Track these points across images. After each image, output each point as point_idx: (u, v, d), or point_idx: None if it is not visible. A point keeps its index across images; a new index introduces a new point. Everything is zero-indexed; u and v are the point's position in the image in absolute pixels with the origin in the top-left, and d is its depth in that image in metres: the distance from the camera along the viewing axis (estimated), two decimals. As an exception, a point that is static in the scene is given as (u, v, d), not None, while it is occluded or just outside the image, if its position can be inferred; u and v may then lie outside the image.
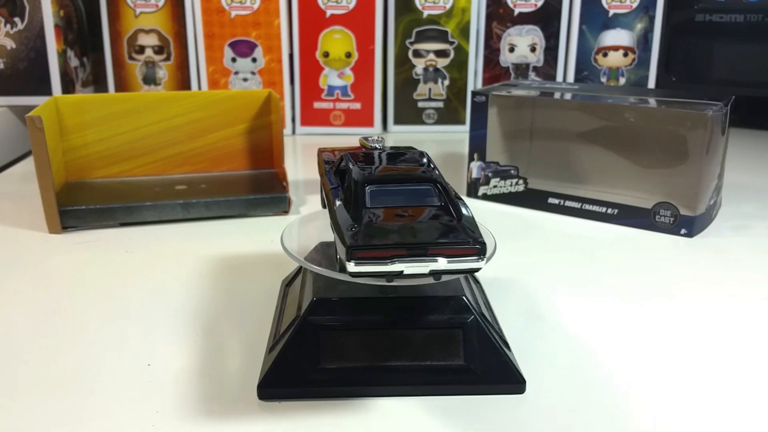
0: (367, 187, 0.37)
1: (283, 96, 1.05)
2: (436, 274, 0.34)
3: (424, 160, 0.42)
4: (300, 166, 0.91)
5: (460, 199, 0.38)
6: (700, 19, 1.07)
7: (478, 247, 0.33)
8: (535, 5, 1.05)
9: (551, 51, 1.07)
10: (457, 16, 1.05)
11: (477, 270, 0.34)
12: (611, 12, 1.05)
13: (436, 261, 0.33)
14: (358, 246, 0.33)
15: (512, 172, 0.73)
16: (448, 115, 1.09)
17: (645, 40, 1.06)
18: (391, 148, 0.45)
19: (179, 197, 0.68)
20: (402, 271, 0.33)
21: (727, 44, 1.06)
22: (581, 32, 1.06)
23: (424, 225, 0.35)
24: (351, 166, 0.40)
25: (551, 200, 0.71)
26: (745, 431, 0.37)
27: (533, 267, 0.58)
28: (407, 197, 0.37)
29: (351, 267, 0.33)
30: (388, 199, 0.37)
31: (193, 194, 0.69)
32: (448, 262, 0.33)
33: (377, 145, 0.44)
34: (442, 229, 0.34)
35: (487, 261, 0.41)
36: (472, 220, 0.36)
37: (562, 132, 0.74)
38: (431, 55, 1.06)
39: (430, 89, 1.08)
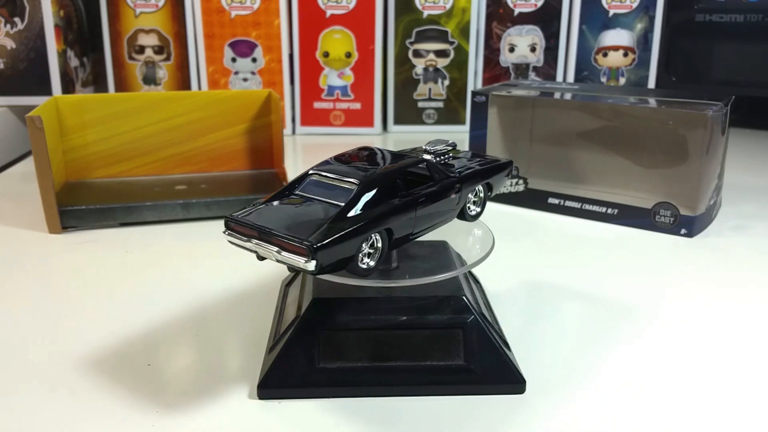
0: (309, 177, 0.39)
1: (283, 96, 1.05)
2: (284, 264, 0.35)
3: (403, 165, 0.40)
4: (300, 166, 0.91)
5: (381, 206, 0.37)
6: (700, 19, 1.07)
7: (305, 249, 0.33)
8: (535, 5, 1.05)
9: (551, 51, 1.07)
10: (457, 16, 1.05)
11: (310, 272, 0.33)
12: (611, 12, 1.05)
13: (274, 250, 0.34)
14: (233, 219, 0.37)
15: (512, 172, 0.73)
16: (448, 115, 1.09)
17: (645, 40, 1.06)
18: (462, 153, 0.46)
19: (179, 197, 0.68)
20: (257, 252, 0.36)
21: (727, 44, 1.06)
22: (581, 32, 1.06)
23: (289, 216, 0.36)
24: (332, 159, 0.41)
25: (551, 200, 0.71)
26: (746, 430, 0.37)
27: (533, 267, 0.58)
28: (329, 192, 0.38)
29: (224, 235, 0.37)
30: (315, 190, 0.38)
31: (193, 194, 0.69)
32: (281, 254, 0.34)
33: (428, 147, 0.44)
34: (298, 224, 0.35)
35: (483, 259, 0.42)
36: (340, 227, 0.35)
37: (562, 132, 0.74)
38: (431, 55, 1.06)
39: (430, 89, 1.08)
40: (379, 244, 0.37)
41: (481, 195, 0.45)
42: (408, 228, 0.39)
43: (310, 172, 0.40)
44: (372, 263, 0.37)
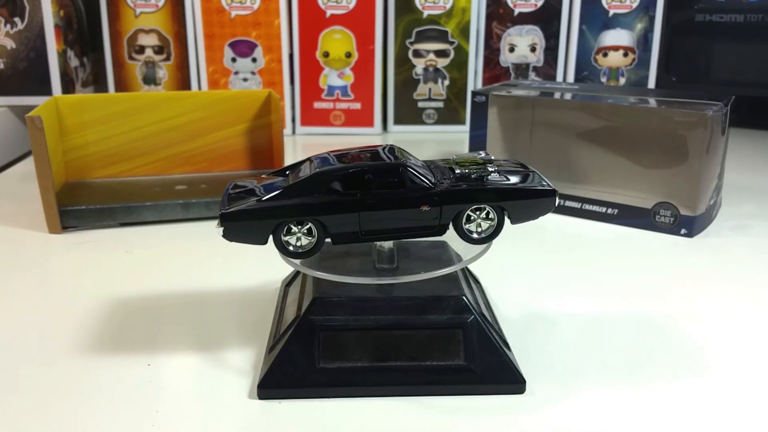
0: (303, 162, 0.43)
1: (283, 96, 1.05)
2: None
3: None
4: (300, 166, 0.91)
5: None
6: (700, 19, 1.07)
7: (219, 219, 0.39)
8: (535, 5, 1.05)
9: (551, 51, 1.07)
10: (457, 16, 1.05)
11: (223, 237, 0.39)
12: (611, 12, 1.05)
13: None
14: (230, 184, 0.42)
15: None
16: (448, 115, 1.09)
17: (645, 40, 1.06)
18: (502, 162, 0.44)
19: (179, 197, 0.68)
20: None
21: (727, 44, 1.06)
22: (581, 32, 1.06)
23: (251, 189, 0.41)
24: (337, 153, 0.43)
25: (551, 200, 0.71)
26: (744, 429, 0.37)
27: (533, 267, 0.58)
28: (297, 177, 0.41)
29: None
30: (293, 174, 0.42)
31: (193, 194, 0.69)
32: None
33: (455, 158, 0.42)
34: (245, 197, 0.40)
35: (480, 256, 0.41)
36: (257, 205, 0.39)
37: (562, 132, 0.74)
38: (431, 55, 1.06)
39: (430, 89, 1.08)
40: (315, 232, 0.39)
41: (494, 219, 0.41)
42: (350, 227, 0.39)
43: (308, 158, 0.42)
44: (302, 245, 0.39)
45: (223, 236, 0.39)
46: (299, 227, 0.39)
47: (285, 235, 0.39)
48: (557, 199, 0.41)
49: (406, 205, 0.39)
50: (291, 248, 0.40)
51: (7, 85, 0.96)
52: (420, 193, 0.39)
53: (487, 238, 0.41)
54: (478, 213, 0.41)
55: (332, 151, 0.42)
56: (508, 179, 0.41)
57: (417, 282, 0.41)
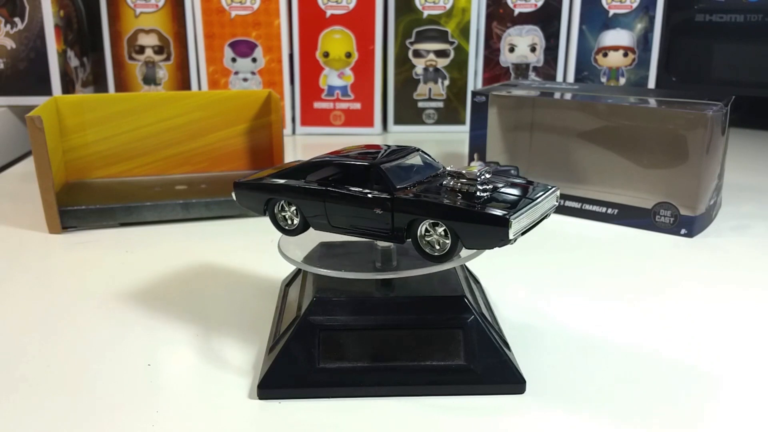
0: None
1: (283, 96, 1.05)
2: None
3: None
4: (300, 166, 0.91)
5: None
6: (700, 19, 1.07)
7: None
8: (535, 5, 1.05)
9: (551, 51, 1.07)
10: (457, 16, 1.05)
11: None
12: (611, 12, 1.05)
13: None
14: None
15: (512, 172, 0.73)
16: (448, 115, 1.09)
17: (645, 40, 1.06)
18: (497, 172, 0.44)
19: (179, 197, 0.68)
20: None
21: (727, 44, 1.06)
22: (581, 32, 1.06)
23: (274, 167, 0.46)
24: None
25: (551, 200, 0.71)
26: (745, 426, 0.37)
27: (533, 267, 0.58)
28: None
29: None
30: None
31: (193, 194, 0.69)
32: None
33: (451, 168, 0.41)
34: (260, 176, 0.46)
35: (476, 256, 0.41)
36: (258, 181, 0.45)
37: (562, 132, 0.74)
38: (431, 55, 1.06)
39: (430, 89, 1.08)
40: (300, 214, 0.43)
41: (447, 237, 0.38)
42: (318, 214, 0.42)
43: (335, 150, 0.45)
44: (293, 223, 0.44)
45: (235, 200, 0.46)
46: (290, 206, 0.43)
47: (280, 211, 0.44)
48: (510, 231, 0.35)
49: (362, 204, 0.40)
50: (282, 224, 0.44)
51: (7, 85, 0.96)
52: (378, 196, 0.39)
53: (440, 257, 0.39)
54: (435, 228, 0.39)
55: (336, 150, 0.45)
56: (492, 199, 0.38)
57: (417, 282, 0.41)
